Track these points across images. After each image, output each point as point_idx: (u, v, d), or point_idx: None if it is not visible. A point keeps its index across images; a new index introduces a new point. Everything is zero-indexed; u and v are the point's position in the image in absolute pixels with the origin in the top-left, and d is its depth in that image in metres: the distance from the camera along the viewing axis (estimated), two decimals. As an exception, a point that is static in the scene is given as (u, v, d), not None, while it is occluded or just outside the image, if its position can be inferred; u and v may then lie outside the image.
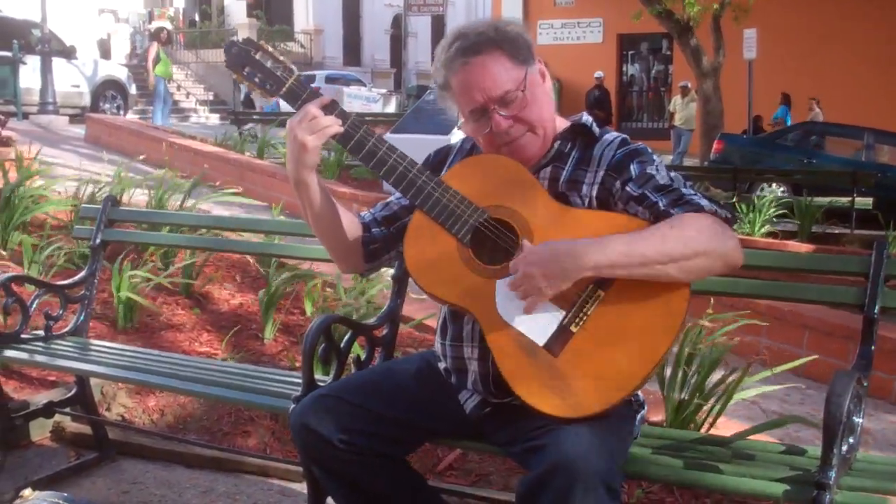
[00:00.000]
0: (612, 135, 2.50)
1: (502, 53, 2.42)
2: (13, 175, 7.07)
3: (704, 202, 2.29)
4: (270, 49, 2.49)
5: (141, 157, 9.93)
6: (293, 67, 2.48)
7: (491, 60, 2.41)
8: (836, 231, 12.55)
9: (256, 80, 2.47)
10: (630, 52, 28.09)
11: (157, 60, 20.50)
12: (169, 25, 31.67)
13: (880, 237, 10.26)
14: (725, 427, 3.54)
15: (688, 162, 19.82)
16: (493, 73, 2.40)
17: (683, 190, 2.32)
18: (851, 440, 2.32)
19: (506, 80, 2.41)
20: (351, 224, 2.61)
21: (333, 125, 2.38)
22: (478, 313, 2.37)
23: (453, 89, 2.46)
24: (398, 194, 2.62)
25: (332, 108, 2.41)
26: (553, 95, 2.56)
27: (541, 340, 2.29)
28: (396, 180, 2.45)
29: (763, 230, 11.08)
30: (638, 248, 2.21)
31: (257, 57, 2.47)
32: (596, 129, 2.52)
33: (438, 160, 2.70)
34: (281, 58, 2.48)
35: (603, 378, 2.23)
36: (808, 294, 2.92)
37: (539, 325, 2.29)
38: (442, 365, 2.63)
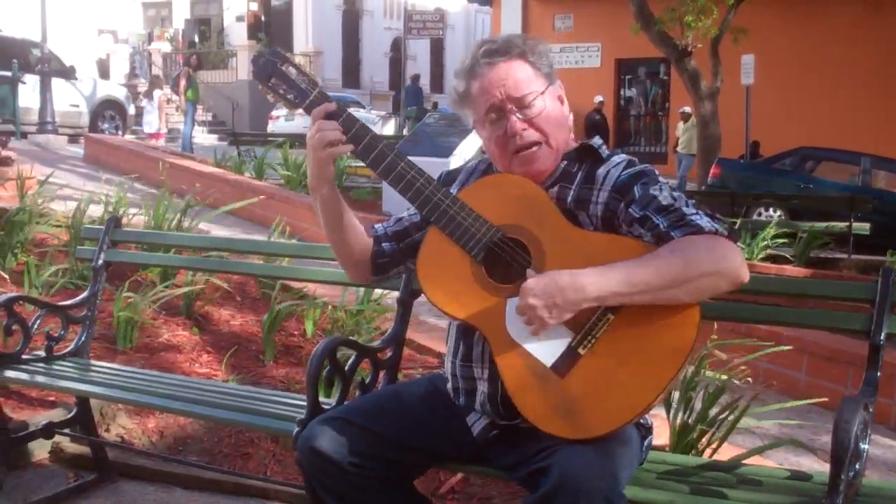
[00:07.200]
0: (619, 157, 2.51)
1: (527, 62, 2.47)
2: (13, 195, 7.06)
3: (705, 222, 2.29)
4: (296, 61, 2.52)
5: (135, 176, 9.96)
6: (317, 80, 2.51)
7: (516, 65, 2.46)
8: (834, 256, 12.54)
9: (281, 91, 2.48)
10: (628, 77, 28.14)
11: (188, 86, 21.22)
12: (166, 45, 31.80)
13: (882, 263, 10.28)
14: (727, 452, 3.53)
15: (689, 186, 19.83)
16: (515, 75, 2.45)
17: (685, 209, 2.32)
18: (857, 466, 2.32)
19: (527, 84, 2.45)
20: (362, 237, 2.67)
21: (341, 145, 2.44)
22: (487, 332, 2.37)
23: (472, 94, 2.49)
24: (411, 210, 2.65)
25: (347, 121, 2.45)
26: (570, 121, 2.58)
27: (548, 361, 2.29)
28: (413, 195, 2.47)
29: (762, 255, 11.09)
30: (638, 276, 2.21)
31: (283, 68, 2.49)
32: (604, 152, 2.53)
33: (445, 183, 2.70)
34: (306, 70, 2.50)
35: (610, 400, 2.23)
36: (811, 320, 2.95)
37: (547, 346, 2.29)
38: (449, 385, 2.62)
